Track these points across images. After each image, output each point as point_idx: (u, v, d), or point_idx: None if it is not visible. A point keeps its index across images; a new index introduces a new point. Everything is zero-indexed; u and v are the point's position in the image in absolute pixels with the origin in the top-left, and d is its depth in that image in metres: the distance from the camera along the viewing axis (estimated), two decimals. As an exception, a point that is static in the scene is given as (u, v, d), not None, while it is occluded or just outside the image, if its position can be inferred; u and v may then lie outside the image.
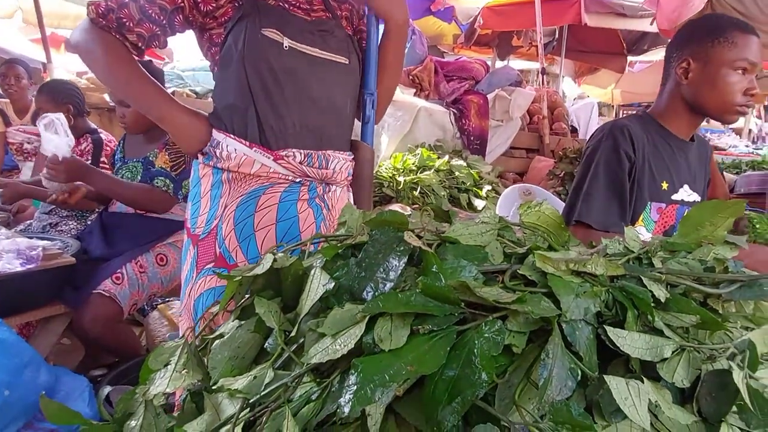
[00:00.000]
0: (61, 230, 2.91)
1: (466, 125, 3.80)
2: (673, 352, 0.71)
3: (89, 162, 2.82)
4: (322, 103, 1.40)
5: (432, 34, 7.93)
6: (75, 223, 2.96)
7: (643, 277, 0.78)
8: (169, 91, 4.35)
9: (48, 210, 2.92)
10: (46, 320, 2.25)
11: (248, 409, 0.71)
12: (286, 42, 1.31)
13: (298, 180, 1.40)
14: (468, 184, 3.01)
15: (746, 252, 1.29)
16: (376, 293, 0.74)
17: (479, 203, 2.83)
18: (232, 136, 1.34)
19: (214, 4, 1.31)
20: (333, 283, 0.76)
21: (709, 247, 0.85)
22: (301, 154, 1.38)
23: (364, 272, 0.77)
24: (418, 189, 2.80)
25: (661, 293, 0.76)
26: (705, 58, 1.51)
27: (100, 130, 3.01)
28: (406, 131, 3.56)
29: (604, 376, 0.63)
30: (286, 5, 1.36)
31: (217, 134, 1.36)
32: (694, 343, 0.76)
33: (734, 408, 0.70)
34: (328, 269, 0.82)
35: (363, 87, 1.49)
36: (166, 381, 0.79)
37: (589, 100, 9.12)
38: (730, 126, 11.45)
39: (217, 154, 1.35)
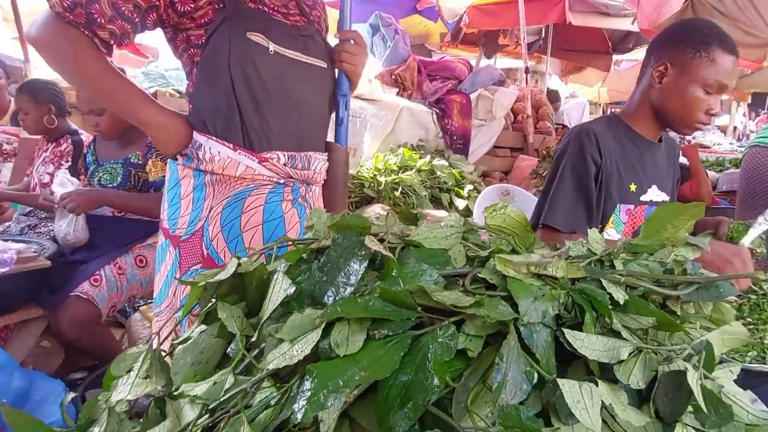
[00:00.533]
0: (40, 232, 2.88)
1: (449, 125, 3.81)
2: (630, 354, 0.72)
3: (69, 164, 2.80)
4: (304, 106, 1.42)
5: (419, 32, 7.93)
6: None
7: (602, 280, 0.78)
8: (152, 90, 4.31)
9: (27, 212, 2.89)
10: (23, 323, 2.23)
11: (207, 415, 0.71)
12: (272, 46, 1.32)
13: (281, 181, 1.41)
14: (450, 183, 3.02)
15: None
16: (337, 298, 0.74)
17: (461, 203, 2.84)
18: (215, 138, 1.34)
19: (192, 5, 1.30)
20: (294, 288, 0.76)
21: (669, 249, 0.86)
22: (284, 155, 1.39)
23: (326, 277, 0.77)
24: (399, 189, 2.80)
25: (620, 295, 0.77)
26: (682, 67, 1.52)
27: (81, 130, 2.98)
28: (388, 131, 3.56)
29: (557, 379, 0.63)
30: (267, 9, 1.37)
31: (198, 137, 1.35)
32: (653, 345, 0.76)
33: (691, 408, 0.71)
34: (291, 274, 0.82)
35: (336, 88, 1.51)
36: (128, 388, 0.79)
37: (580, 99, 9.17)
38: (716, 123, 11.56)
39: (200, 157, 1.35)
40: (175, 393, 0.78)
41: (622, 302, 0.76)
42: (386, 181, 2.84)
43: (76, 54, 1.24)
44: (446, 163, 3.22)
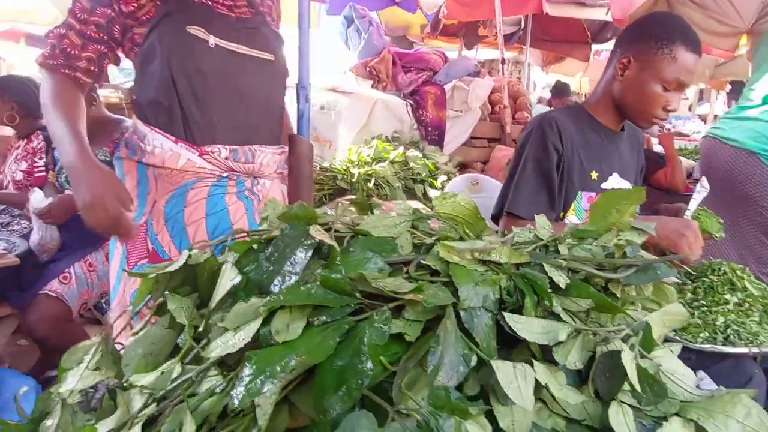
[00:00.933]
0: (13, 230, 2.85)
1: (424, 116, 3.82)
2: (568, 336, 0.74)
3: (43, 159, 2.77)
4: (248, 100, 1.41)
5: (400, 24, 7.90)
6: (27, 223, 2.90)
7: (545, 264, 0.80)
8: (128, 84, 4.27)
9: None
10: (-7, 322, 2.22)
11: (155, 404, 0.72)
12: (212, 40, 1.32)
13: (224, 174, 1.41)
14: (423, 174, 3.04)
15: (658, 224, 1.35)
16: (283, 286, 0.75)
17: (435, 194, 2.85)
18: (157, 130, 1.35)
19: (135, 4, 1.32)
20: (240, 278, 0.77)
21: (612, 234, 0.88)
22: (226, 149, 1.39)
23: (273, 266, 0.78)
24: (373, 181, 2.81)
25: (561, 279, 0.78)
26: (645, 62, 1.53)
27: None
28: (363, 123, 3.57)
29: (491, 361, 0.65)
30: (210, 2, 1.36)
31: (143, 127, 1.36)
32: (595, 327, 0.78)
33: (628, 387, 0.73)
34: (240, 264, 0.82)
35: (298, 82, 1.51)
36: (76, 379, 0.79)
37: (557, 88, 9.21)
38: (697, 112, 11.68)
39: (143, 147, 1.35)
40: (125, 384, 0.79)
41: (563, 286, 0.78)
42: (359, 173, 2.84)
43: (48, 97, 1.31)
44: (420, 155, 3.23)
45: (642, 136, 1.88)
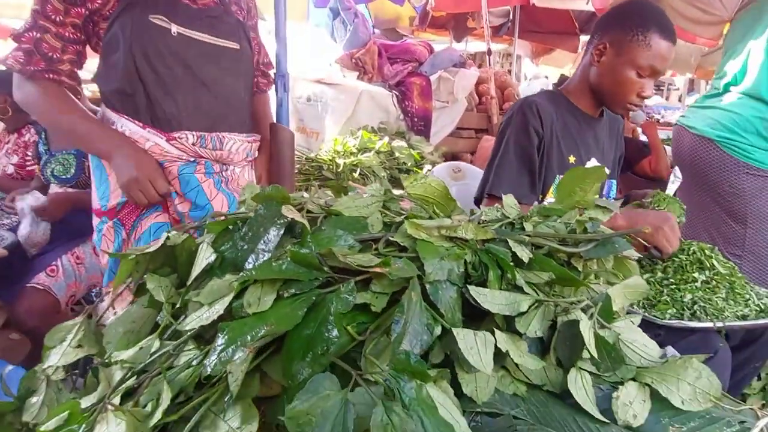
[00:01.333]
0: (1, 223, 2.86)
1: (409, 107, 3.84)
2: (530, 307, 0.77)
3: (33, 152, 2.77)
4: (214, 87, 1.44)
5: (389, 17, 7.90)
6: (15, 216, 2.91)
7: (509, 240, 0.84)
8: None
9: (-12, 201, 2.87)
10: (-19, 314, 2.23)
11: (134, 378, 0.75)
12: (174, 28, 1.34)
13: (192, 159, 1.44)
14: (409, 164, 3.07)
15: (637, 217, 1.38)
16: (256, 264, 0.78)
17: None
18: (125, 116, 1.38)
19: (100, 1, 1.34)
20: (215, 256, 0.80)
21: (576, 212, 0.92)
22: (193, 135, 1.42)
23: (247, 245, 0.81)
24: (358, 171, 2.84)
25: (525, 254, 0.82)
26: (619, 48, 1.56)
27: None
28: (349, 115, 3.59)
29: (453, 329, 0.68)
30: None
31: (111, 114, 1.39)
32: (557, 299, 0.82)
33: (588, 355, 0.76)
34: (216, 244, 0.85)
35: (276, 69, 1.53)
36: (58, 356, 0.82)
37: (544, 81, 9.24)
38: (686, 103, 11.75)
39: None
40: (107, 361, 0.82)
41: (526, 260, 0.81)
42: (345, 163, 2.87)
43: (52, 108, 1.36)
44: (406, 145, 3.26)
45: (621, 124, 1.91)
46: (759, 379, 1.80)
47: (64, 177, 2.36)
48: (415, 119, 3.90)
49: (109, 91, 1.39)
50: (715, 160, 2.13)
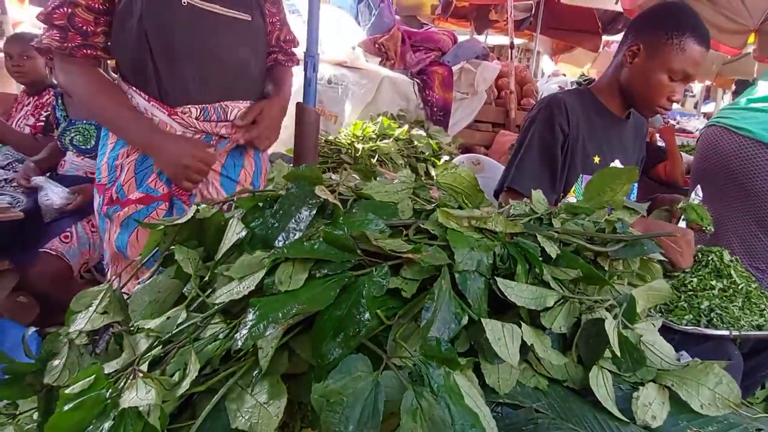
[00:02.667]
0: (17, 185, 2.89)
1: (430, 96, 3.83)
2: (556, 303, 0.78)
3: (48, 112, 2.79)
4: (221, 58, 1.43)
5: (411, 4, 7.86)
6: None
7: (538, 235, 0.84)
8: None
9: (5, 164, 2.89)
10: (-6, 276, 2.26)
11: (160, 347, 0.76)
12: None
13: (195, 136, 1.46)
14: (427, 153, 3.06)
15: (655, 228, 1.37)
16: (287, 242, 0.79)
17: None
18: (134, 88, 1.39)
19: None
20: (246, 232, 0.81)
21: (604, 211, 0.91)
22: (197, 109, 1.43)
23: (278, 222, 0.82)
24: (376, 156, 2.84)
25: (552, 250, 0.82)
26: (653, 51, 1.55)
27: None
28: (369, 100, 3.58)
29: (482, 319, 0.69)
30: None
31: (123, 85, 1.41)
32: (582, 296, 0.82)
33: (610, 354, 0.77)
34: (246, 220, 0.86)
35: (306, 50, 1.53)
36: (85, 321, 0.83)
37: (564, 79, 9.17)
38: (702, 110, 11.64)
39: None
40: (131, 329, 0.83)
41: (554, 256, 0.82)
42: (363, 148, 2.87)
43: (87, 93, 1.38)
44: (424, 134, 3.25)
45: (646, 127, 1.90)
46: (762, 387, 1.80)
47: (84, 147, 2.38)
48: (435, 109, 3.89)
49: (122, 61, 1.41)
50: (765, 167, 1.97)
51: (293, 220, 0.81)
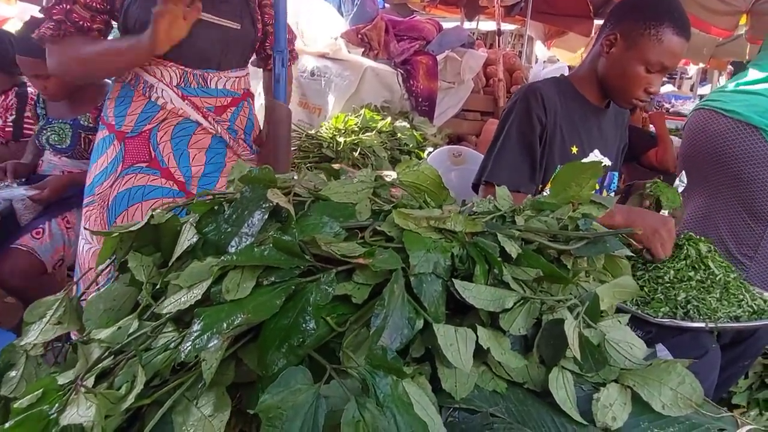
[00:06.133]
0: (-2, 188, 2.85)
1: (415, 86, 3.78)
2: (515, 304, 0.76)
3: (13, 116, 2.75)
4: (214, 65, 1.50)
5: (401, -9, 7.78)
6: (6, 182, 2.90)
7: (498, 234, 0.82)
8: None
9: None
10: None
11: (111, 357, 0.74)
12: None
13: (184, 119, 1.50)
14: (411, 145, 3.03)
15: (636, 216, 1.36)
16: (239, 248, 0.77)
17: (421, 165, 2.83)
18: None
19: None
20: (197, 238, 0.79)
21: (569, 207, 0.90)
22: (177, 73, 1.47)
23: (231, 227, 0.80)
24: (359, 150, 2.81)
25: (513, 249, 0.80)
26: (631, 41, 1.50)
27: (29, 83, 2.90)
28: (352, 91, 3.54)
29: (433, 324, 0.67)
30: None
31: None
32: (544, 296, 0.81)
33: (572, 354, 0.75)
34: (201, 225, 0.84)
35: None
36: (37, 333, 0.81)
37: (560, 64, 9.11)
38: (698, 93, 11.59)
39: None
40: (86, 338, 0.81)
41: (514, 255, 0.80)
42: (345, 141, 2.84)
43: (75, 51, 1.39)
44: (408, 125, 3.22)
45: (627, 115, 1.88)
46: (746, 377, 1.79)
47: (59, 147, 2.35)
48: (420, 99, 3.84)
49: None
50: (754, 151, 1.91)
51: (246, 225, 0.79)
